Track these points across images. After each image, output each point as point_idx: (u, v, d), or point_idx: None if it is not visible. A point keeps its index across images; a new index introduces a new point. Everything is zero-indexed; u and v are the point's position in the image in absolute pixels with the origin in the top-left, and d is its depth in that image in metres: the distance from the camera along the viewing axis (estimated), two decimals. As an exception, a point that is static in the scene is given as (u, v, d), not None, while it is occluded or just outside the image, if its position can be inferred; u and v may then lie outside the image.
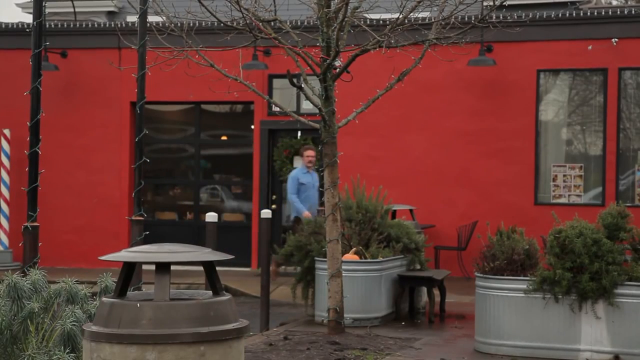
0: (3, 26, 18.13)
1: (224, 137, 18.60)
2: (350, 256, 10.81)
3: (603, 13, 15.89)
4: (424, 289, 11.89)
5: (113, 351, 4.04)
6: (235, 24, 9.94)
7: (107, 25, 18.02)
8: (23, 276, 5.74)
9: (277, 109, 13.34)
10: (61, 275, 5.88)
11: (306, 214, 13.84)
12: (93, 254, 11.85)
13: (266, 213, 12.03)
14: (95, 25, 17.95)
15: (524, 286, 8.77)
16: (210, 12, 9.64)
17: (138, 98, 9.04)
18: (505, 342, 8.87)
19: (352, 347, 9.10)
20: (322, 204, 12.19)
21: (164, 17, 10.36)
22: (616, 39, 15.53)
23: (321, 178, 10.41)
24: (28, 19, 22.00)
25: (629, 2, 21.47)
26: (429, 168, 16.35)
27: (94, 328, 4.16)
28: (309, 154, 14.58)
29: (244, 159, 17.91)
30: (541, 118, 16.23)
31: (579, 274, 8.58)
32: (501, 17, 11.87)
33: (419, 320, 11.33)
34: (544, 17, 15.83)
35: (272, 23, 10.16)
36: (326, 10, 9.46)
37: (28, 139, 7.72)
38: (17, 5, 23.03)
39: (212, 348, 4.09)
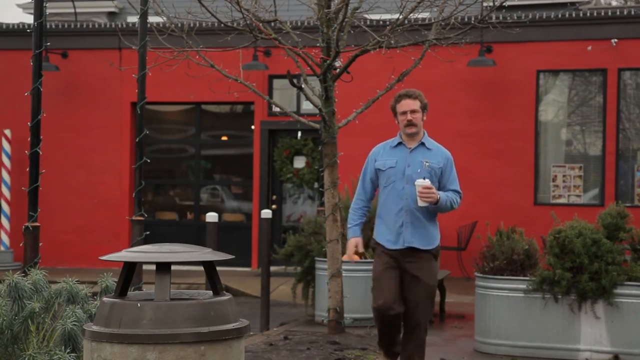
0: (4, 27, 18.15)
1: (224, 138, 18.61)
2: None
3: (602, 14, 15.90)
4: (424, 289, 11.87)
5: (114, 351, 4.05)
6: (235, 24, 9.95)
7: (108, 25, 18.04)
8: (24, 276, 5.75)
9: (278, 109, 13.36)
10: (62, 275, 5.89)
11: (352, 243, 7.45)
12: (94, 254, 11.87)
13: (266, 213, 12.06)
14: (96, 26, 17.96)
15: (524, 286, 8.78)
16: (211, 13, 9.65)
17: (138, 98, 9.05)
18: (505, 342, 8.88)
19: (352, 347, 9.11)
20: (322, 204, 12.20)
21: (165, 18, 10.38)
22: (616, 40, 15.54)
23: (321, 178, 10.40)
24: (29, 19, 22.05)
25: (628, 3, 21.46)
26: (428, 168, 16.33)
27: (95, 328, 4.17)
28: (405, 104, 7.39)
29: (244, 159, 17.93)
30: (541, 118, 16.24)
31: (579, 274, 8.58)
32: (501, 18, 11.88)
33: (419, 320, 11.31)
34: (544, 17, 15.84)
35: (273, 24, 10.17)
36: (326, 10, 9.47)
37: (29, 139, 7.73)
38: (18, 6, 23.05)
39: (213, 348, 4.10)
